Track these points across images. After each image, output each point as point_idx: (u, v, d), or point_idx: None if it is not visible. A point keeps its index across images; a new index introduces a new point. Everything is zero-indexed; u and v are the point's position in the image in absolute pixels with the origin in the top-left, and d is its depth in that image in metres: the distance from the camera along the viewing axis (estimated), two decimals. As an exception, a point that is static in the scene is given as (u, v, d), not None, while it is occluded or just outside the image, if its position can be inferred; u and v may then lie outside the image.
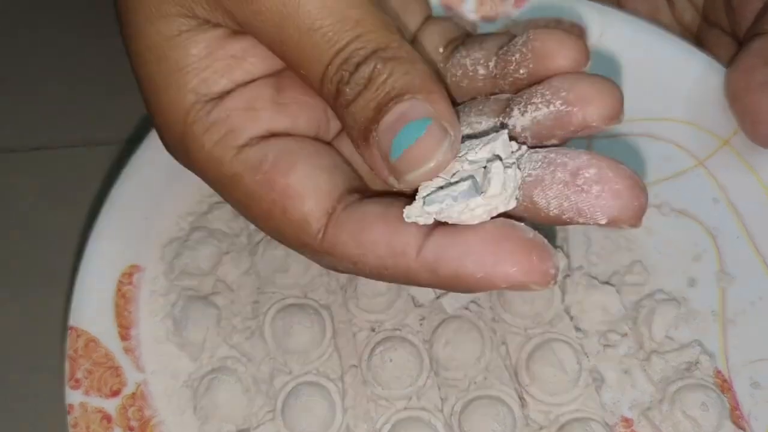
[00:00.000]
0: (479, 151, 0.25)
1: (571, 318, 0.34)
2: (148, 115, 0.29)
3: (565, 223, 0.24)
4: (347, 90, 0.25)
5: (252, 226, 0.37)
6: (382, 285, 0.34)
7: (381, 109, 0.24)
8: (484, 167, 0.24)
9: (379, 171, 0.25)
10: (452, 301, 0.34)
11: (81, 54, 0.48)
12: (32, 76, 0.48)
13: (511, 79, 0.28)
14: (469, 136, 0.26)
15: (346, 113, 0.26)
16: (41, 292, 0.40)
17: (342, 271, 0.27)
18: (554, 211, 0.24)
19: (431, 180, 0.25)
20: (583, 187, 0.23)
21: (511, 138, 0.26)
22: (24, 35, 0.50)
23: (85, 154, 0.45)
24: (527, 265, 0.23)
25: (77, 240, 0.41)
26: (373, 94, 0.25)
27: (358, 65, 0.25)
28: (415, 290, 0.35)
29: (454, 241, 0.24)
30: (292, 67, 0.27)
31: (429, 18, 0.32)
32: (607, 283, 0.35)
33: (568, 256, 0.36)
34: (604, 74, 0.38)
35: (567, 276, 0.35)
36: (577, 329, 0.34)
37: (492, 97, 0.29)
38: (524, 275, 0.23)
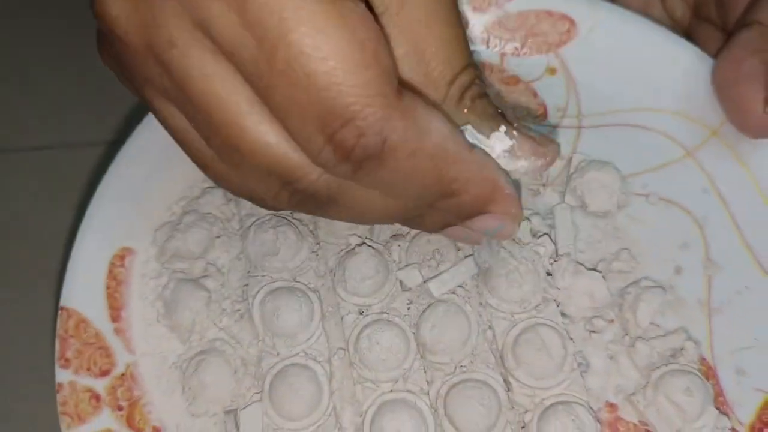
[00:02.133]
0: None
1: (558, 303, 0.35)
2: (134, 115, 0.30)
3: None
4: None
5: (243, 211, 0.37)
6: (370, 269, 0.34)
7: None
8: None
9: None
10: (439, 285, 0.35)
11: (78, 54, 0.48)
12: (25, 77, 0.49)
13: None
14: None
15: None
16: (33, 280, 0.41)
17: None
18: None
19: None
20: None
21: None
22: (22, 35, 0.50)
23: (79, 154, 0.45)
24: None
25: (69, 236, 0.41)
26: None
27: None
28: (402, 275, 0.35)
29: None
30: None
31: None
32: (593, 269, 0.35)
33: (555, 243, 0.36)
34: (595, 66, 0.39)
35: (554, 262, 0.35)
36: (564, 315, 0.34)
37: None
38: None
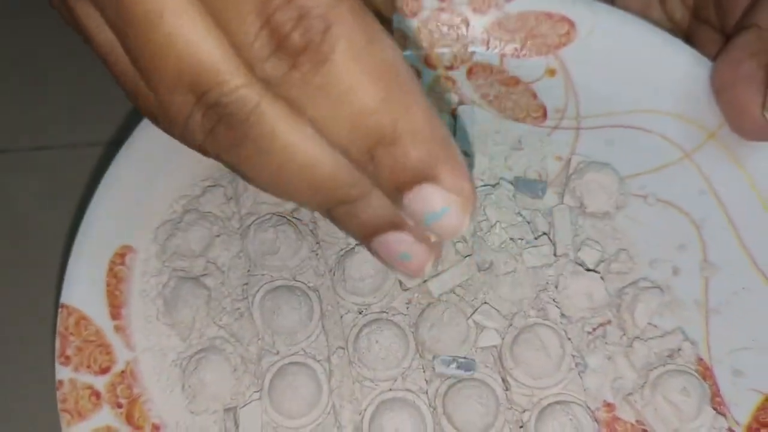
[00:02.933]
0: None
1: (557, 303, 0.35)
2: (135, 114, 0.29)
3: None
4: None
5: (244, 210, 0.37)
6: (370, 268, 0.35)
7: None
8: None
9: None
10: (438, 285, 0.35)
11: (78, 54, 0.48)
12: (25, 77, 0.49)
13: None
14: None
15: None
16: (33, 278, 0.41)
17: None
18: None
19: None
20: None
21: None
22: (22, 35, 0.50)
23: (80, 154, 0.45)
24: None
25: (69, 234, 0.41)
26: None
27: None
28: (402, 275, 0.35)
29: None
30: None
31: None
32: (592, 270, 0.36)
33: (554, 243, 0.36)
34: (594, 68, 0.39)
35: (552, 263, 0.36)
36: (562, 315, 0.35)
37: None
38: None
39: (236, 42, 0.23)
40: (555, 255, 0.36)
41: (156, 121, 0.27)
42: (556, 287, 0.35)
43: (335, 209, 0.26)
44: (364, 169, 0.24)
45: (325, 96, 0.22)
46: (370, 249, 0.26)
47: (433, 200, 0.23)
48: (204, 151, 0.26)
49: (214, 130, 0.24)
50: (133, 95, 0.26)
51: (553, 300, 0.35)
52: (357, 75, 0.22)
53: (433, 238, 0.25)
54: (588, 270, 0.35)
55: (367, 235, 0.26)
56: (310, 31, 0.22)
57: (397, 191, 0.23)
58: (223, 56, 0.23)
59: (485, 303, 0.35)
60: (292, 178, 0.24)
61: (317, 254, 0.36)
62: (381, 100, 0.22)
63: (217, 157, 0.26)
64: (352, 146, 0.23)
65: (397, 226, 0.25)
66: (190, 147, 0.27)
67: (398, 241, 0.25)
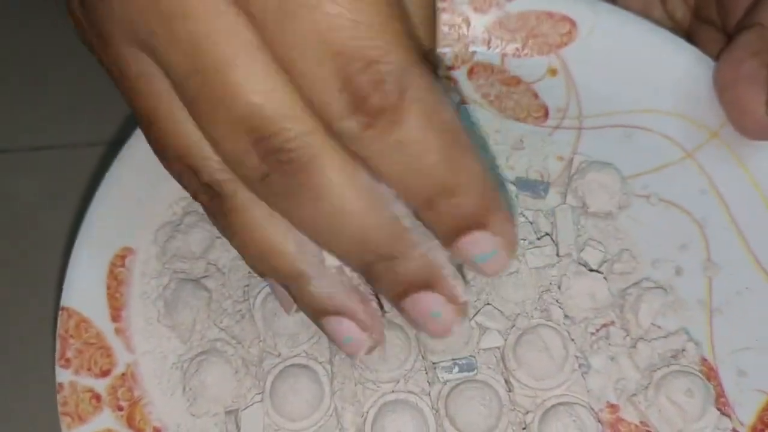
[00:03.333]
0: None
1: (560, 304, 0.35)
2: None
3: None
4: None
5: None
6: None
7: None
8: None
9: None
10: (441, 286, 0.35)
11: (78, 54, 0.48)
12: (25, 77, 0.49)
13: None
14: None
15: None
16: (34, 280, 0.40)
17: None
18: None
19: None
20: None
21: None
22: (21, 35, 0.50)
23: (80, 154, 0.45)
24: None
25: (69, 236, 0.41)
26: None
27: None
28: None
29: None
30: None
31: None
32: (595, 270, 0.35)
33: (556, 243, 0.36)
34: (596, 67, 0.39)
35: (555, 263, 0.35)
36: (565, 316, 0.34)
37: None
38: None
39: (311, 97, 0.24)
40: (558, 255, 0.36)
41: (179, 179, 0.28)
42: (559, 287, 0.35)
43: (375, 265, 0.27)
44: (423, 215, 0.27)
45: (397, 152, 0.25)
46: (400, 307, 0.28)
47: (484, 245, 0.26)
48: (253, 191, 0.27)
49: (271, 176, 0.26)
50: (161, 152, 0.28)
51: (556, 300, 0.35)
52: (428, 134, 0.25)
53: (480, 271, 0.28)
54: (591, 270, 0.35)
55: (401, 293, 0.28)
56: (388, 95, 0.24)
57: (452, 236, 0.26)
58: (289, 103, 0.25)
59: (488, 304, 0.34)
60: (341, 229, 0.26)
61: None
62: (445, 156, 0.25)
63: (268, 201, 0.27)
64: (417, 195, 0.26)
65: (430, 285, 0.27)
66: (241, 182, 0.28)
67: (431, 301, 0.28)
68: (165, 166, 0.29)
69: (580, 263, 0.35)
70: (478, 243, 0.26)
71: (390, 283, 0.28)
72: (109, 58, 0.28)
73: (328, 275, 0.29)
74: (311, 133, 0.25)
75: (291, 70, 0.24)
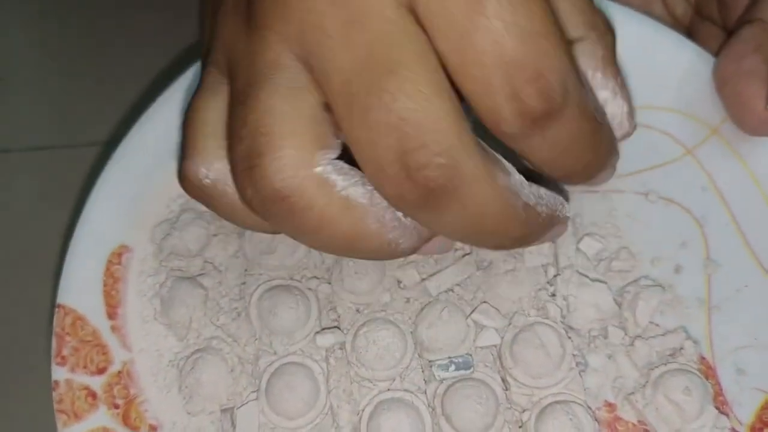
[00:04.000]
0: None
1: (563, 318, 0.34)
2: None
3: None
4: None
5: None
6: (367, 267, 0.34)
7: None
8: None
9: None
10: (437, 284, 0.34)
11: (76, 54, 0.48)
12: (23, 77, 0.49)
13: None
14: None
15: None
16: (30, 278, 0.40)
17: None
18: None
19: None
20: None
21: None
22: (20, 35, 0.50)
23: (77, 154, 0.45)
24: None
25: (66, 234, 0.41)
26: None
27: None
28: (400, 273, 0.35)
29: None
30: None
31: None
32: (598, 280, 0.35)
33: (556, 255, 0.35)
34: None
35: (556, 275, 0.35)
36: (570, 328, 0.34)
37: None
38: None
39: (478, 104, 0.26)
40: (557, 266, 0.35)
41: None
42: (564, 299, 0.35)
43: (507, 245, 0.30)
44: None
45: (553, 145, 0.27)
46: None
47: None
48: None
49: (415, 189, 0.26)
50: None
51: (553, 295, 0.34)
52: (580, 126, 0.27)
53: None
54: (594, 280, 0.35)
55: None
56: (553, 102, 0.26)
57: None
58: (443, 114, 0.25)
59: (484, 302, 0.34)
60: (483, 229, 0.28)
61: (315, 253, 0.36)
62: (589, 141, 0.28)
63: (408, 206, 0.28)
64: (563, 172, 0.30)
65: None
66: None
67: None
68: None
69: (581, 273, 0.35)
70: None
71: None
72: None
73: None
74: (456, 146, 0.26)
75: (461, 75, 0.25)
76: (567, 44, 0.26)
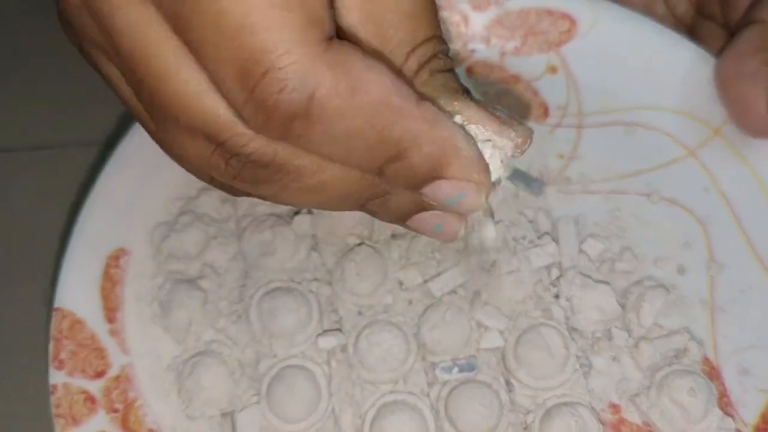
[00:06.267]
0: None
1: (567, 319, 0.34)
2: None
3: None
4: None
5: (240, 211, 0.36)
6: (369, 269, 0.34)
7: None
8: None
9: None
10: (440, 286, 0.34)
11: (74, 54, 0.48)
12: (21, 77, 0.49)
13: None
14: None
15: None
16: (28, 281, 0.40)
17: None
18: None
19: None
20: None
21: None
22: (18, 35, 0.50)
23: (75, 154, 0.45)
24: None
25: (64, 236, 0.41)
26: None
27: None
28: (402, 275, 0.35)
29: None
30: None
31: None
32: (601, 281, 0.35)
33: (560, 257, 0.35)
34: (596, 65, 0.39)
35: (559, 276, 0.35)
36: (574, 329, 0.34)
37: None
38: None
39: (231, 105, 0.24)
40: (561, 268, 0.35)
41: (182, 164, 0.28)
42: (568, 300, 0.34)
43: (367, 205, 0.27)
44: (382, 180, 0.26)
45: (327, 145, 0.24)
46: (406, 227, 0.28)
47: (446, 191, 0.26)
48: (230, 189, 0.28)
49: (240, 174, 0.26)
50: (157, 142, 0.28)
51: (560, 306, 0.34)
52: (350, 124, 0.23)
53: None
54: (597, 281, 0.35)
55: (401, 219, 0.28)
56: (293, 102, 0.23)
57: (414, 190, 0.26)
58: (231, 110, 0.24)
59: (487, 303, 0.34)
60: (322, 195, 0.26)
61: (316, 255, 0.35)
62: (378, 132, 0.24)
63: (246, 194, 0.27)
64: (365, 168, 0.25)
65: (424, 206, 0.27)
66: (213, 184, 0.28)
67: (429, 217, 0.27)
68: (172, 147, 0.27)
69: (584, 275, 0.35)
70: (440, 190, 0.26)
71: (387, 216, 0.28)
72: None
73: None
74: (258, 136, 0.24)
75: (210, 77, 0.24)
76: (324, 30, 0.23)
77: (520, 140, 0.26)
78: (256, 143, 0.24)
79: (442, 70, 0.26)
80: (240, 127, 0.24)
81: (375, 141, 0.24)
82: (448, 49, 0.26)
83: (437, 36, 0.26)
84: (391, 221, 0.28)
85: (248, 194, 0.28)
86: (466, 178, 0.25)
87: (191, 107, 0.24)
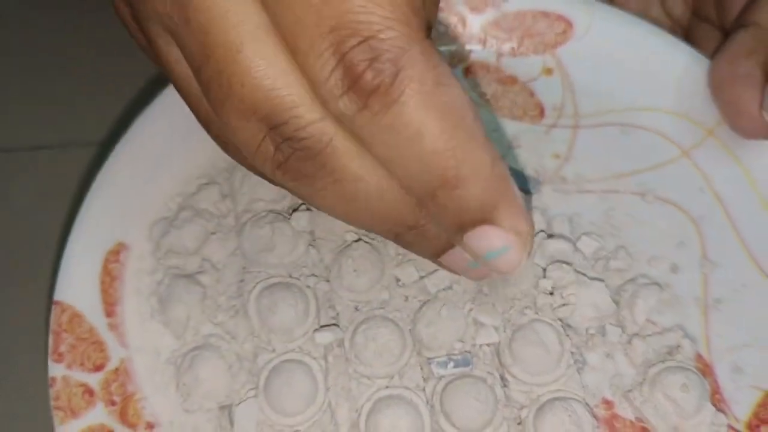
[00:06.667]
0: None
1: (558, 305, 0.34)
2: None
3: None
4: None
5: (239, 207, 0.37)
6: (366, 265, 0.34)
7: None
8: None
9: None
10: (436, 282, 0.34)
11: (73, 54, 0.48)
12: (20, 77, 0.49)
13: None
14: None
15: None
16: (28, 276, 0.40)
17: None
18: None
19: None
20: None
21: None
22: (17, 35, 0.50)
23: (75, 154, 0.45)
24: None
25: (63, 233, 0.41)
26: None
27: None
28: (399, 271, 0.35)
29: None
30: None
31: None
32: (596, 278, 0.35)
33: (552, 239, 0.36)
34: (592, 66, 0.39)
35: (554, 274, 0.35)
36: (569, 326, 0.34)
37: None
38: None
39: (310, 77, 0.23)
40: (555, 267, 0.35)
41: (227, 149, 0.28)
42: (562, 296, 0.35)
43: (404, 235, 0.27)
44: (426, 208, 0.25)
45: (392, 136, 0.23)
46: (438, 264, 0.28)
47: (492, 241, 0.24)
48: (274, 181, 0.27)
49: (287, 163, 0.25)
50: (206, 125, 0.27)
51: (551, 293, 0.35)
52: (424, 118, 0.23)
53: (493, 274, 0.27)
54: (592, 279, 0.35)
55: (434, 254, 0.27)
56: (382, 73, 0.22)
57: (458, 231, 0.25)
58: (299, 90, 0.24)
59: (483, 299, 0.34)
60: (361, 208, 0.26)
61: (314, 251, 0.36)
62: (446, 142, 0.23)
63: (287, 187, 0.27)
64: (416, 185, 0.24)
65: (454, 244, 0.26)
66: (258, 175, 0.28)
67: (464, 256, 0.26)
68: (223, 131, 0.27)
69: (579, 272, 0.35)
70: (486, 238, 0.24)
71: (421, 249, 0.27)
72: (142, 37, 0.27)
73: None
74: (324, 119, 0.24)
75: (294, 50, 0.23)
76: (420, 21, 0.23)
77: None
78: (314, 128, 0.24)
79: None
80: (304, 108, 0.24)
81: (438, 153, 0.23)
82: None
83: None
84: (424, 255, 0.28)
85: (294, 190, 0.27)
86: (514, 228, 0.24)
87: (260, 84, 0.24)
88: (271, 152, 0.25)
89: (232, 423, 0.33)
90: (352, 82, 0.23)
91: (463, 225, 0.25)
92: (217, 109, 0.25)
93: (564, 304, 0.34)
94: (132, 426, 0.33)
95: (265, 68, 0.24)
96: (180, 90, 0.28)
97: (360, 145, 0.24)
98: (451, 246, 0.27)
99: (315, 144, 0.24)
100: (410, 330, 0.34)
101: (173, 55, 0.26)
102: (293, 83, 0.24)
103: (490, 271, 0.26)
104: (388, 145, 0.24)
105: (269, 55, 0.24)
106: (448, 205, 0.24)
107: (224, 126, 0.26)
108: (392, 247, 0.35)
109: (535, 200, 0.37)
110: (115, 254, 0.36)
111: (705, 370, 0.34)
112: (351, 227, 0.36)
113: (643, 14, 0.41)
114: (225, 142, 0.28)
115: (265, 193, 0.37)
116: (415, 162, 0.24)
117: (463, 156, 0.23)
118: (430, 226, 0.26)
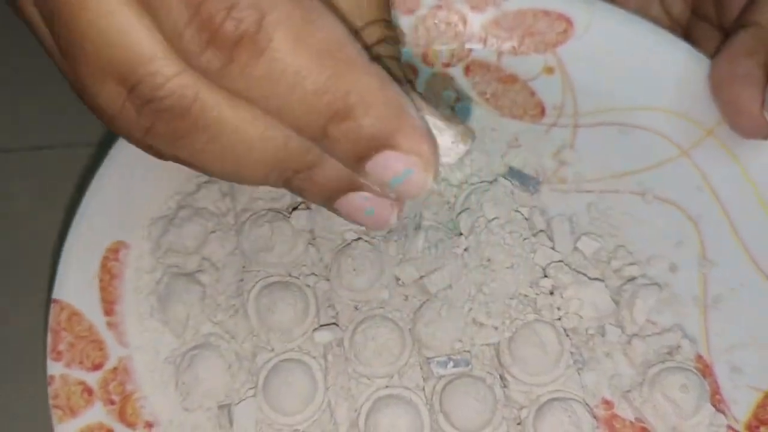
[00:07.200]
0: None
1: (558, 305, 0.34)
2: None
3: None
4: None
5: (239, 206, 0.37)
6: (365, 264, 0.34)
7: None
8: None
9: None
10: (436, 281, 0.34)
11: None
12: (20, 78, 0.49)
13: None
14: None
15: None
16: (27, 275, 0.40)
17: None
18: None
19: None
20: None
21: None
22: (17, 35, 0.50)
23: (74, 154, 0.45)
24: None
25: (62, 233, 0.41)
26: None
27: None
28: (398, 270, 0.35)
29: None
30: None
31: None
32: (596, 279, 0.35)
33: (552, 239, 0.36)
34: (592, 65, 0.39)
35: (554, 274, 0.35)
36: (567, 326, 0.34)
37: None
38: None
39: (166, 33, 0.22)
40: (555, 266, 0.35)
41: (87, 105, 0.25)
42: (562, 296, 0.35)
43: (293, 180, 0.25)
44: (320, 145, 0.23)
45: (269, 86, 0.22)
46: (332, 210, 0.26)
47: (393, 165, 0.23)
48: (146, 148, 0.25)
49: (154, 127, 0.24)
50: (78, 93, 0.25)
51: (551, 292, 0.35)
52: (300, 60, 0.22)
53: (397, 198, 0.25)
54: (592, 279, 0.35)
55: (328, 199, 0.26)
56: (243, 22, 0.21)
57: (356, 162, 0.23)
58: (153, 45, 0.22)
59: (483, 299, 0.34)
60: (244, 160, 0.24)
61: (313, 250, 0.36)
62: (327, 78, 0.22)
63: (161, 153, 0.25)
64: (305, 126, 0.23)
65: (356, 185, 0.25)
66: (130, 143, 0.26)
67: (360, 200, 0.25)
68: (84, 93, 0.25)
69: (579, 271, 0.35)
70: (386, 164, 0.23)
71: (313, 194, 0.26)
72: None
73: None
74: (184, 72, 0.22)
75: (147, 5, 0.22)
76: None
77: (461, 136, 0.25)
78: (173, 83, 0.22)
79: (388, 56, 0.25)
80: (158, 63, 0.22)
81: (322, 88, 0.22)
82: (396, 37, 0.25)
83: (385, 20, 0.25)
84: (317, 201, 0.26)
85: (172, 156, 0.25)
86: (415, 150, 0.23)
87: (108, 40, 0.22)
88: (134, 117, 0.23)
89: (231, 422, 0.33)
90: (212, 35, 0.21)
91: (361, 155, 0.23)
92: (74, 71, 0.24)
93: (564, 304, 0.34)
94: (131, 425, 0.33)
95: (117, 22, 0.22)
96: (49, 54, 0.26)
97: (231, 96, 0.23)
98: (345, 191, 0.25)
99: (179, 102, 0.23)
100: (410, 329, 0.34)
101: (35, 16, 0.25)
102: (146, 39, 0.22)
103: (389, 215, 0.26)
104: (266, 94, 0.22)
105: (117, 11, 0.22)
106: (341, 138, 0.23)
107: (84, 92, 0.24)
108: (392, 247, 0.35)
109: (535, 200, 0.37)
110: (115, 253, 0.36)
111: (704, 370, 0.34)
112: (351, 225, 0.36)
113: (643, 13, 0.41)
114: (92, 107, 0.25)
115: (264, 193, 0.36)
116: (299, 104, 0.22)
117: (346, 86, 0.22)
118: (319, 168, 0.25)
